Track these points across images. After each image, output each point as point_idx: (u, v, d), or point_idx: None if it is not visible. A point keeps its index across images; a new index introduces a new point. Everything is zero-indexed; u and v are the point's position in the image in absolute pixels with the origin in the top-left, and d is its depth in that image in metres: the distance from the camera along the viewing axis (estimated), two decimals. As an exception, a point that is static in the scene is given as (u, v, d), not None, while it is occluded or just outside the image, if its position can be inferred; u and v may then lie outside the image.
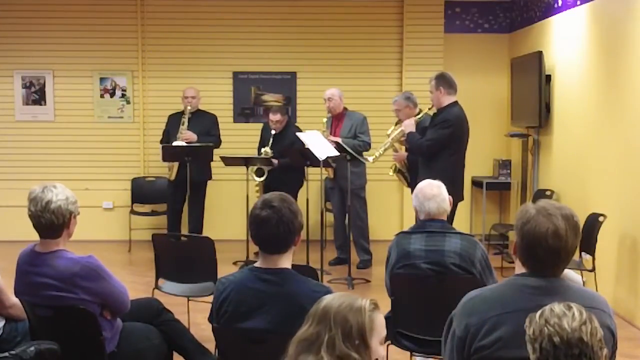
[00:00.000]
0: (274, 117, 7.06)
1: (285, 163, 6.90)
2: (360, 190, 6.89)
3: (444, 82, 5.55)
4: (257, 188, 7.14)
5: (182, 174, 7.02)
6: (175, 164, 7.08)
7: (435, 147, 5.51)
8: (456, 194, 5.40)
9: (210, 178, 7.43)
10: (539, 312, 1.90)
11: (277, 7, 8.22)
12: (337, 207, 7.04)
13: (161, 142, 7.42)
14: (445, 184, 3.72)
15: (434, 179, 3.74)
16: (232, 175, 7.77)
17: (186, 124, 7.12)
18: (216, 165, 7.23)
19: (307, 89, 8.25)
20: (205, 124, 7.27)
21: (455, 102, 5.57)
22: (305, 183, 6.70)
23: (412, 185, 6.33)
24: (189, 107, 7.16)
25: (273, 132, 7.02)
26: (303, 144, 6.33)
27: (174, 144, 7.02)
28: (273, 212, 2.60)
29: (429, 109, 5.91)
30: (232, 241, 7.42)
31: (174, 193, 7.31)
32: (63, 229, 3.11)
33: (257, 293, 2.63)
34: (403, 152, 6.25)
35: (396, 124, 6.38)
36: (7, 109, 8.30)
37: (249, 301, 2.63)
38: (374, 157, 6.35)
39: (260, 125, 7.59)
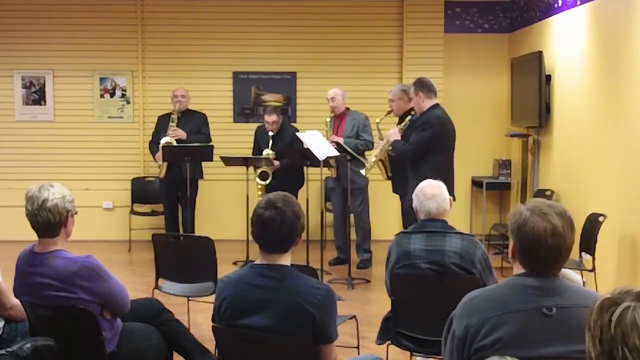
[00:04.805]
0: (270, 118, 6.98)
1: (286, 164, 6.89)
2: (363, 190, 6.88)
3: (422, 86, 5.55)
4: (260, 193, 7.09)
5: (172, 172, 7.06)
6: (165, 162, 7.09)
7: (418, 149, 5.49)
8: None
9: (202, 177, 7.42)
10: (616, 316, 1.46)
11: (277, 7, 8.22)
12: (339, 207, 7.01)
13: (150, 143, 7.45)
14: None
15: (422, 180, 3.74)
16: (233, 175, 7.77)
17: (176, 121, 7.13)
18: (217, 165, 7.23)
19: (307, 89, 8.25)
20: (195, 122, 7.28)
21: (437, 105, 5.59)
22: (305, 183, 6.69)
23: (392, 177, 6.30)
24: (178, 105, 7.17)
25: (271, 133, 6.96)
26: (302, 144, 6.29)
27: (162, 140, 7.01)
28: (277, 213, 2.61)
29: (412, 114, 5.87)
30: (232, 241, 7.42)
31: (167, 192, 7.36)
32: (60, 227, 3.11)
33: (257, 289, 2.64)
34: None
35: (387, 114, 6.35)
36: (7, 109, 8.30)
37: (249, 297, 2.65)
38: (366, 169, 6.22)
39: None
